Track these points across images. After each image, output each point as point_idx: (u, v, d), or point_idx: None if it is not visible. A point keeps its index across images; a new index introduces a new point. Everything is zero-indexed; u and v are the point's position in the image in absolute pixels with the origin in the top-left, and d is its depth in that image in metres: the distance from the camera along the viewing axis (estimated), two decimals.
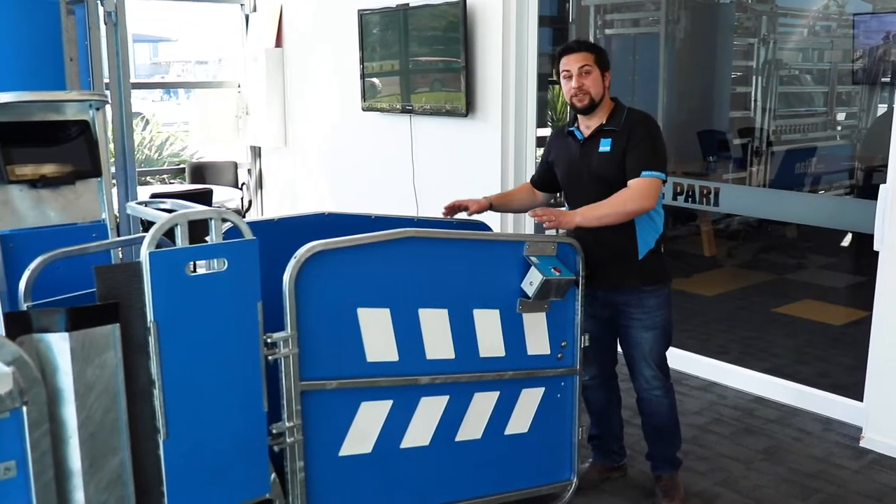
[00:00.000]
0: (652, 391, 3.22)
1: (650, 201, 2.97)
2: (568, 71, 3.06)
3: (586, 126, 3.13)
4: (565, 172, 3.23)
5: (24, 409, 1.94)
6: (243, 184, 7.53)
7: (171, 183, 8.35)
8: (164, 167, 9.42)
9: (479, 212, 3.33)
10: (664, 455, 3.33)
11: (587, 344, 3.10)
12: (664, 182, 3.03)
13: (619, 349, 3.33)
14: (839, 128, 7.63)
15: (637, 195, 2.96)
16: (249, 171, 7.63)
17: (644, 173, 2.96)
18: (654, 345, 3.16)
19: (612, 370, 3.39)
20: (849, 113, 7.41)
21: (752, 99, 7.28)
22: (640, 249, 3.09)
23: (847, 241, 5.92)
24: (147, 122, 10.72)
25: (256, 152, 7.62)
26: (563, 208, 3.31)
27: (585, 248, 3.04)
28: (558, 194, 3.48)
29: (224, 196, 6.57)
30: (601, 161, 3.07)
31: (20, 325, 2.02)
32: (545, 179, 3.40)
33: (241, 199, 7.21)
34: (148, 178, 8.26)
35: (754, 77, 7.24)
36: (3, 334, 2.02)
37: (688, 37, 6.97)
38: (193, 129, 8.24)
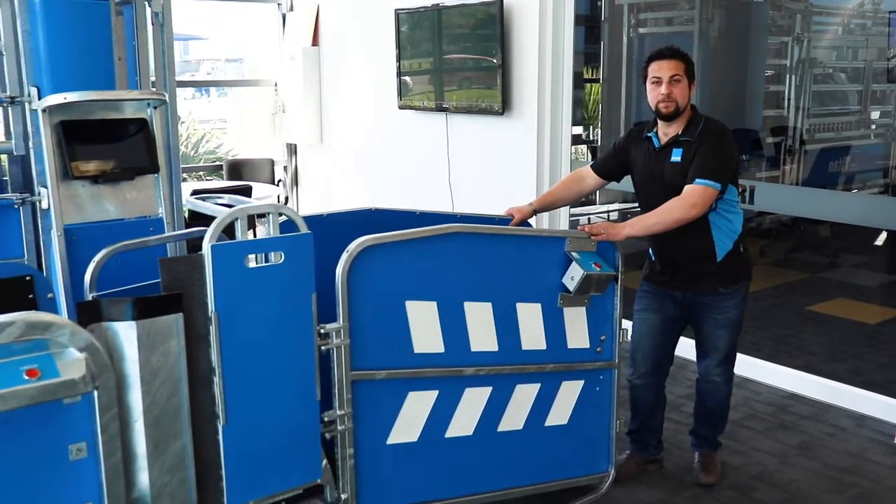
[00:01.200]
0: (713, 377, 3.36)
1: (699, 209, 3.01)
2: (658, 78, 3.11)
3: (664, 133, 3.19)
4: (640, 177, 3.29)
5: (95, 393, 2.04)
6: (280, 180, 7.65)
7: (208, 179, 8.50)
8: (201, 164, 9.58)
9: (523, 220, 3.35)
10: (708, 435, 3.50)
11: (626, 339, 3.17)
12: (720, 192, 3.07)
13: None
14: (873, 126, 7.60)
15: (686, 203, 3.01)
16: (285, 168, 7.75)
17: (697, 181, 3.01)
18: (725, 340, 3.30)
19: (665, 372, 3.46)
20: (883, 111, 7.38)
21: (786, 97, 7.27)
22: (719, 252, 3.17)
23: (881, 239, 5.91)
24: (181, 120, 10.88)
25: (292, 149, 7.74)
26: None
27: (665, 252, 3.19)
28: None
29: (261, 193, 6.68)
30: (672, 171, 3.13)
31: (91, 314, 2.12)
32: (609, 168, 3.42)
33: (278, 195, 7.33)
34: (185, 174, 8.41)
35: (788, 75, 7.23)
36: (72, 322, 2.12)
37: (721, 35, 6.98)
38: (231, 127, 8.38)
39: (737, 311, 3.26)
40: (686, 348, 3.62)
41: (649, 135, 3.23)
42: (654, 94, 3.13)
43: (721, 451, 3.57)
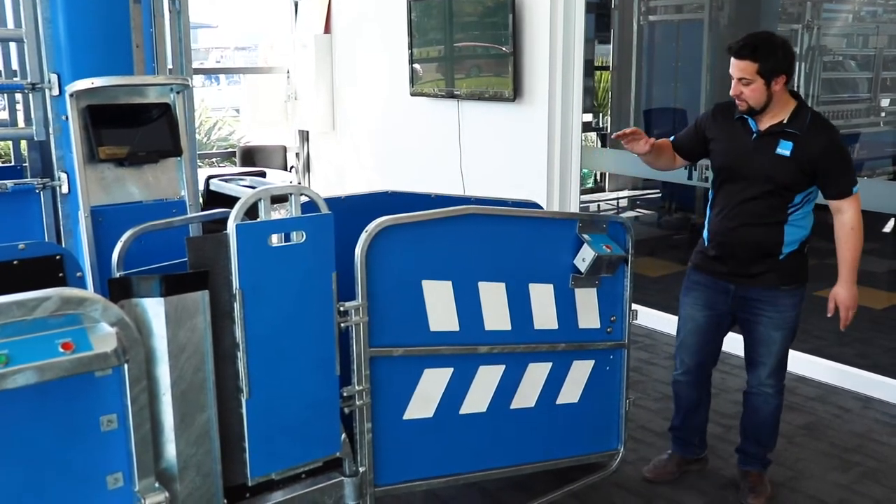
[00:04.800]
0: (764, 388, 3.18)
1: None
2: (731, 75, 2.93)
3: (760, 118, 2.99)
4: (727, 159, 3.07)
5: (126, 366, 2.11)
6: (292, 167, 7.73)
7: (221, 166, 8.59)
8: (213, 151, 9.66)
9: (645, 150, 3.14)
10: (756, 453, 3.29)
11: (636, 319, 3.24)
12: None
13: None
14: (883, 114, 7.61)
15: (859, 217, 2.98)
16: (298, 154, 7.83)
17: (854, 189, 2.95)
18: (781, 345, 3.11)
19: (710, 370, 3.34)
20: (893, 99, 7.39)
21: (795, 85, 7.29)
22: (784, 249, 3.03)
23: (889, 226, 5.95)
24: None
25: (305, 136, 7.81)
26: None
27: (727, 241, 3.06)
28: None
29: (275, 179, 6.76)
30: (777, 163, 2.94)
31: (121, 291, 2.20)
32: (689, 149, 3.23)
33: (291, 181, 7.41)
34: (199, 161, 8.48)
35: (798, 63, 7.25)
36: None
37: (731, 23, 7.00)
38: (244, 114, 8.47)
39: (794, 313, 3.08)
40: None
41: (745, 116, 3.01)
42: (732, 88, 2.96)
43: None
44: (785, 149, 2.93)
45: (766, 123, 2.98)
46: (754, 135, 3.00)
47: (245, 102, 8.15)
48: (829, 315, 3.04)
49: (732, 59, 2.91)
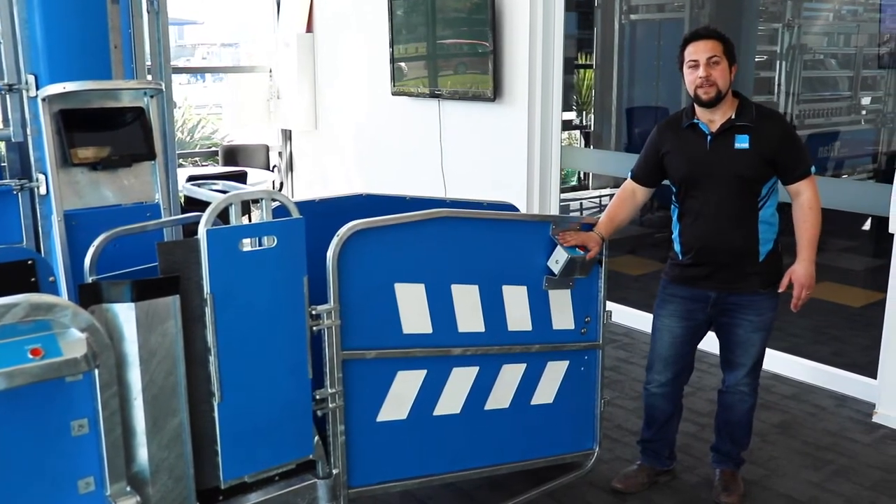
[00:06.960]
0: (740, 387, 3.20)
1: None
2: (695, 61, 2.92)
3: (709, 119, 3.00)
4: (688, 168, 3.05)
5: (96, 371, 2.12)
6: (275, 166, 7.73)
7: (203, 165, 8.57)
8: (197, 150, 9.64)
9: (599, 251, 3.13)
10: (730, 452, 3.33)
11: (611, 319, 3.26)
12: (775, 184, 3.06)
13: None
14: (864, 112, 7.67)
15: (816, 196, 2.98)
16: (280, 153, 7.83)
17: (811, 170, 2.98)
18: (758, 346, 3.13)
19: (685, 381, 3.33)
20: (874, 97, 7.45)
21: (776, 83, 7.34)
22: (762, 251, 3.03)
23: (868, 224, 6.00)
24: (177, 106, 10.90)
25: (287, 135, 7.81)
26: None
27: (706, 250, 3.05)
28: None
29: (256, 178, 6.75)
30: (739, 158, 2.95)
31: (91, 296, 2.21)
32: (648, 173, 3.20)
33: (273, 181, 7.40)
34: (181, 160, 8.47)
35: (778, 62, 7.29)
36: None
37: (712, 22, 7.04)
38: (227, 112, 8.46)
39: (773, 314, 3.10)
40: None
41: (695, 122, 3.03)
42: (691, 79, 2.94)
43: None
44: (743, 142, 2.96)
45: (717, 123, 3.00)
46: (709, 137, 3.01)
47: (227, 101, 8.15)
48: (780, 290, 3.05)
49: (698, 43, 2.94)
